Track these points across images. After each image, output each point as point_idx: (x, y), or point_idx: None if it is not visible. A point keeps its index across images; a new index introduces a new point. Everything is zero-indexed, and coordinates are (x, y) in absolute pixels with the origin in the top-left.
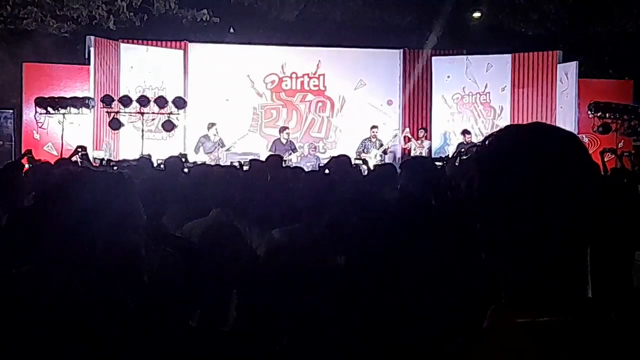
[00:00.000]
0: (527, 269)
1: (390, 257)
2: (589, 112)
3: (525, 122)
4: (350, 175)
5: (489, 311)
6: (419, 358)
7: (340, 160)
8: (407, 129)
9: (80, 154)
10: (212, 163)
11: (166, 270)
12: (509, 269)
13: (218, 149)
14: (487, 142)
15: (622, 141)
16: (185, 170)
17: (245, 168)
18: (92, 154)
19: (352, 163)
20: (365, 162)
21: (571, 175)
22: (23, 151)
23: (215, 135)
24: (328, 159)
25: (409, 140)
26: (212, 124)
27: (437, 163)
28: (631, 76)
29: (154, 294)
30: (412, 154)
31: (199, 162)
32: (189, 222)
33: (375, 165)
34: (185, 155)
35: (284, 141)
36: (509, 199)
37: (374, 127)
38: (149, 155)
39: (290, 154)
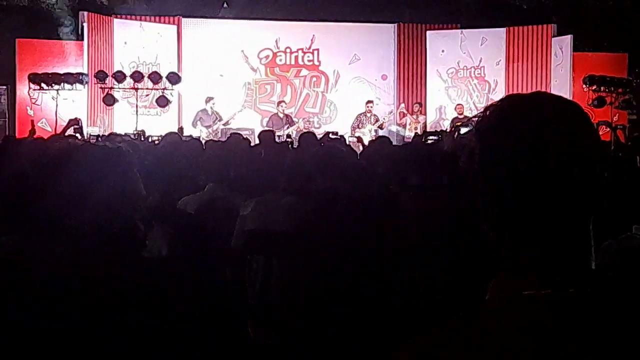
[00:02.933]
0: (530, 240)
1: (385, 229)
2: (584, 86)
3: None
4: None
5: (490, 283)
6: (421, 330)
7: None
8: (403, 105)
9: (73, 127)
10: (211, 137)
11: (166, 246)
12: (510, 240)
13: (216, 123)
14: (487, 112)
15: (617, 114)
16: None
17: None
18: (86, 129)
19: (347, 141)
20: (360, 139)
21: (575, 144)
22: (17, 127)
23: (212, 108)
24: (322, 134)
25: (404, 115)
26: (210, 98)
27: (432, 137)
28: (626, 49)
29: (153, 272)
30: (407, 129)
31: (194, 136)
32: (184, 197)
33: (369, 142)
34: (181, 129)
35: (281, 115)
36: (511, 168)
37: (369, 101)
38: (143, 131)
39: (288, 127)
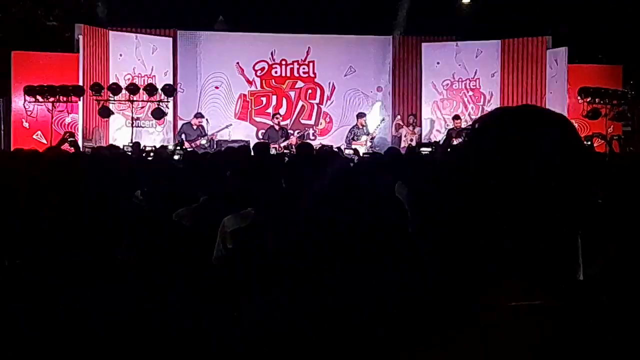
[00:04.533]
0: (518, 252)
1: (378, 239)
2: (579, 98)
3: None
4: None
5: (480, 295)
6: (410, 341)
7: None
8: (399, 116)
9: (69, 140)
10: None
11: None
12: (499, 252)
13: (199, 138)
14: (476, 125)
15: (612, 126)
16: (176, 157)
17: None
18: (81, 142)
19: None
20: (356, 151)
21: (562, 157)
22: (13, 139)
23: (196, 123)
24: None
25: (401, 127)
26: (199, 114)
27: (426, 149)
28: (621, 61)
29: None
30: (403, 141)
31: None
32: (179, 210)
33: (364, 154)
34: (181, 143)
35: (277, 128)
36: (498, 183)
37: (360, 114)
38: (138, 143)
39: (284, 140)
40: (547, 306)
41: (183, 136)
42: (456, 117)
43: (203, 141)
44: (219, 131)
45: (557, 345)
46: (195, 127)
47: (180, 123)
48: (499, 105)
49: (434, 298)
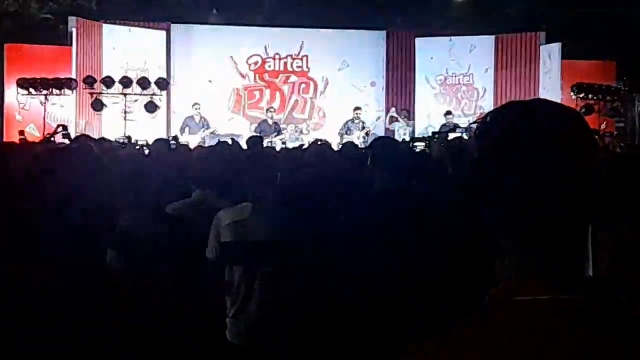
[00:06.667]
0: (529, 247)
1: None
2: (572, 94)
3: None
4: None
5: (490, 290)
6: (420, 336)
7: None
8: (393, 109)
9: (61, 133)
10: (200, 144)
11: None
12: (510, 247)
13: (203, 130)
14: (488, 118)
15: (605, 122)
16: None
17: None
18: (74, 135)
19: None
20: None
21: (575, 152)
22: (5, 132)
23: (198, 115)
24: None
25: (396, 120)
26: (195, 104)
27: (420, 144)
28: (614, 57)
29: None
30: (396, 135)
31: (182, 143)
32: (173, 203)
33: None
34: (176, 137)
35: (270, 122)
36: (511, 176)
37: (357, 108)
38: (129, 137)
39: (276, 135)
40: (555, 301)
41: (187, 129)
42: (448, 113)
43: (207, 133)
44: (220, 125)
45: (564, 340)
46: (197, 119)
47: (173, 117)
48: (492, 101)
49: (442, 295)
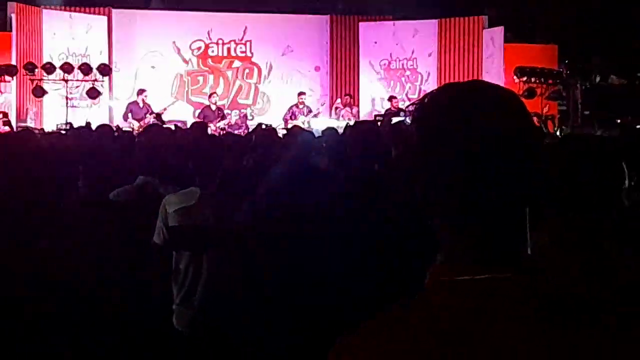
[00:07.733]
0: (466, 227)
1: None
2: (515, 77)
3: None
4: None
5: (429, 270)
6: (360, 318)
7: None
8: (339, 100)
9: (2, 120)
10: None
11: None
12: (449, 226)
13: (147, 116)
14: (425, 101)
15: (548, 105)
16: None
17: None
18: (14, 122)
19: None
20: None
21: (512, 132)
22: None
23: (143, 101)
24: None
25: (340, 109)
26: (142, 90)
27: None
28: (556, 41)
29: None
30: (340, 120)
31: (126, 129)
32: (116, 190)
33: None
34: (88, 124)
35: (213, 107)
36: (448, 158)
37: (301, 93)
38: (71, 124)
39: (220, 120)
40: (494, 280)
41: (130, 115)
42: (392, 97)
43: (151, 118)
44: (163, 109)
45: (502, 320)
46: (142, 105)
47: (116, 103)
48: (435, 85)
49: (383, 276)
